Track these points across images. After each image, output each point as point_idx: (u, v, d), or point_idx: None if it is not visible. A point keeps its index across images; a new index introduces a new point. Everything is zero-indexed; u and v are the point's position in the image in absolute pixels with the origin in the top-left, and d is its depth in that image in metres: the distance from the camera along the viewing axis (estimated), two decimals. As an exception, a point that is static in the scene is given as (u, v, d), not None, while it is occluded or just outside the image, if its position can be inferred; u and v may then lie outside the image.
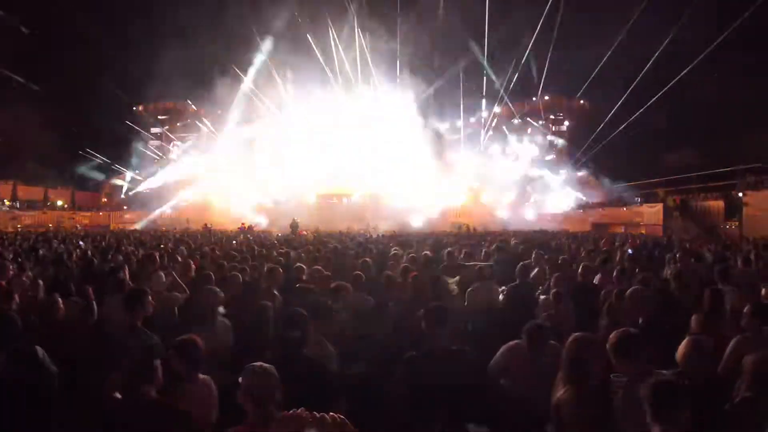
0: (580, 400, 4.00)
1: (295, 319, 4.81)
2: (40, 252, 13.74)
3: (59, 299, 6.18)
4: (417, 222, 44.00)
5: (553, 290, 7.31)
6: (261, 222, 42.81)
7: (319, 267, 9.07)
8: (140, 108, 57.74)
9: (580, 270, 8.75)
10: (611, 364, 4.24)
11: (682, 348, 4.31)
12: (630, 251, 13.66)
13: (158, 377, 3.98)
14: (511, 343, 5.19)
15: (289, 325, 4.81)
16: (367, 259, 10.46)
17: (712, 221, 31.01)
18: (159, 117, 58.34)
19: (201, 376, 4.43)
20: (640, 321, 5.96)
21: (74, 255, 13.12)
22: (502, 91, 51.98)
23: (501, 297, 8.27)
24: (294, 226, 34.77)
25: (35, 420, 4.31)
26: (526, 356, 4.91)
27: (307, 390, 3.81)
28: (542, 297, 7.75)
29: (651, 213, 34.59)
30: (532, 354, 4.88)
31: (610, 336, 4.24)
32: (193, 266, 10.01)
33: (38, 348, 4.75)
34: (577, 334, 4.32)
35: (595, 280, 8.94)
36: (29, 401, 4.29)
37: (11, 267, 9.26)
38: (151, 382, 3.94)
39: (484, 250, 13.37)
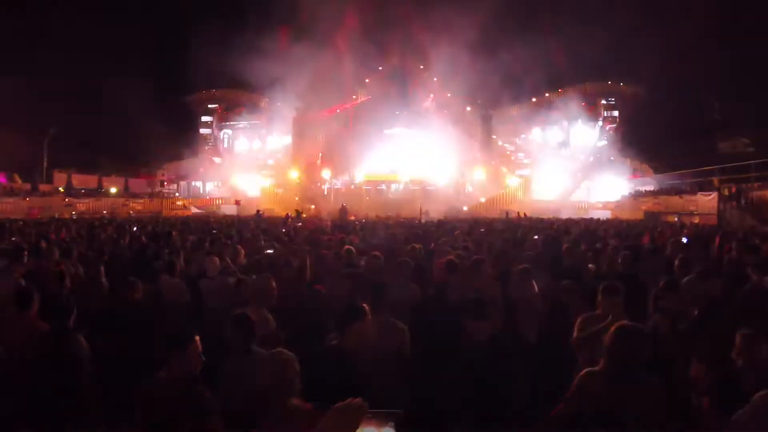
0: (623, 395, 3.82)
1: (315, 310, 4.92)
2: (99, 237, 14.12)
3: (138, 281, 6.50)
4: (466, 208, 43.80)
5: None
6: (311, 207, 43.05)
7: (377, 254, 9.02)
8: (192, 96, 58.29)
9: (620, 260, 8.49)
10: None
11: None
12: (685, 240, 13.27)
13: (185, 363, 4.06)
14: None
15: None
16: (417, 245, 10.47)
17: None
18: (209, 105, 58.79)
19: (257, 349, 4.54)
20: (695, 314, 5.74)
21: (127, 239, 13.44)
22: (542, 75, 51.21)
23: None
24: (343, 211, 34.84)
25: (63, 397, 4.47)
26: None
27: (330, 380, 3.85)
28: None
29: (705, 202, 33.80)
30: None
31: None
32: (243, 252, 10.15)
33: (79, 337, 4.91)
34: (622, 323, 4.13)
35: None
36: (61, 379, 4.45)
37: (57, 252, 9.64)
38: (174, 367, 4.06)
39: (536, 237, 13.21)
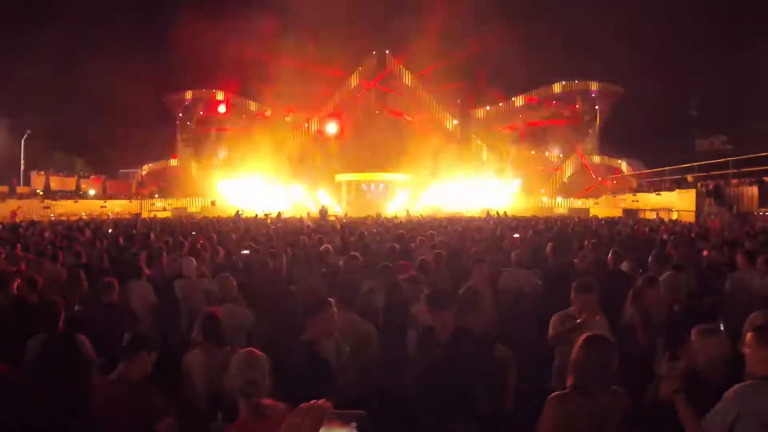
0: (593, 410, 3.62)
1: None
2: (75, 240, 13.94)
3: (113, 283, 6.48)
4: (447, 207, 43.89)
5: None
6: (290, 208, 42.94)
7: (356, 254, 8.98)
8: (170, 96, 57.73)
9: (609, 256, 8.49)
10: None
11: None
12: (665, 236, 13.45)
13: (140, 364, 4.05)
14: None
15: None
16: (395, 245, 10.45)
17: (746, 208, 30.40)
18: (188, 106, 58.21)
19: (226, 348, 4.52)
20: (676, 308, 5.75)
21: (103, 242, 13.28)
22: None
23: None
24: (323, 212, 34.74)
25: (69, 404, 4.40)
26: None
27: (305, 379, 3.80)
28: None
29: (683, 199, 34.05)
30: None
31: (754, 318, 3.99)
32: (222, 252, 10.10)
33: (80, 336, 4.89)
34: (589, 334, 3.96)
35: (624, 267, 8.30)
36: (63, 386, 4.36)
37: (24, 255, 9.59)
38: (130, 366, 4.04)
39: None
